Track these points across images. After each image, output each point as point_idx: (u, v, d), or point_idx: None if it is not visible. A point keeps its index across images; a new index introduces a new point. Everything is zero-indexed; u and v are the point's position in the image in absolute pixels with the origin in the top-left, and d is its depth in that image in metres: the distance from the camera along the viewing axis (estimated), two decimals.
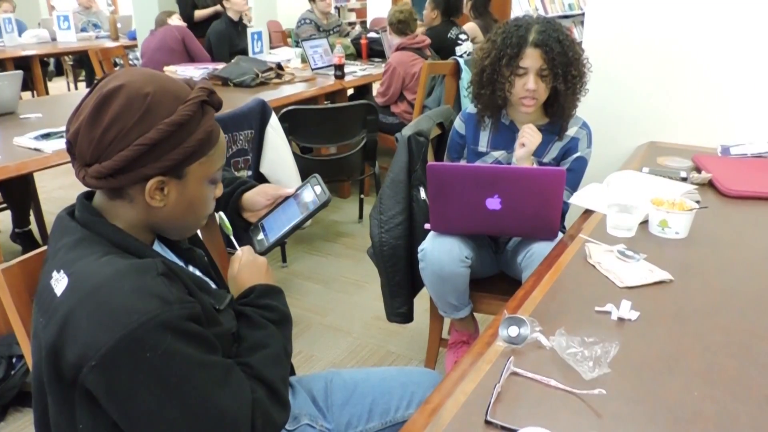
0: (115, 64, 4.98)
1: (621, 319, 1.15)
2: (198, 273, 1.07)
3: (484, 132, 1.92)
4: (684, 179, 1.91)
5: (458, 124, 1.98)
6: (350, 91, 4.45)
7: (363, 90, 4.79)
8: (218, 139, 0.96)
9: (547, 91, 1.78)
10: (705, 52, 2.31)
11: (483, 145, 1.92)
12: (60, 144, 2.30)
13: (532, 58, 1.74)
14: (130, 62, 5.80)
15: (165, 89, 0.90)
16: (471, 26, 4.75)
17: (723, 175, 1.90)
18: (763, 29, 2.20)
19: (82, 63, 6.98)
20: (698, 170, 1.98)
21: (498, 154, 1.91)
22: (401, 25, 3.88)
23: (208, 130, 0.93)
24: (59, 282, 0.85)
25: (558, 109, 1.83)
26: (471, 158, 1.96)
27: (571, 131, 1.88)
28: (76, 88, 7.50)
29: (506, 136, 1.90)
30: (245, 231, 1.27)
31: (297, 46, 5.01)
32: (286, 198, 1.25)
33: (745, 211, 1.73)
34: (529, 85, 1.75)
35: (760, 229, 1.62)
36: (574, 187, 1.90)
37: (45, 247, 1.01)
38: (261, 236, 1.21)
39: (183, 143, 0.89)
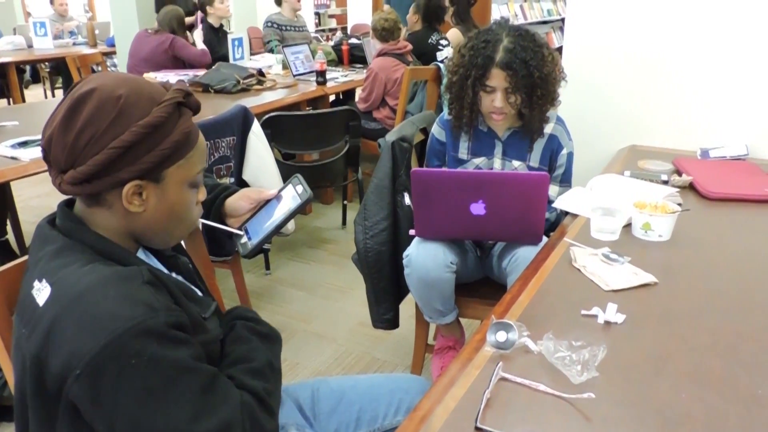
0: (93, 72, 4.91)
1: (607, 323, 1.16)
2: (182, 280, 1.05)
3: (463, 139, 1.92)
4: (665, 182, 1.93)
5: (437, 130, 1.97)
6: (332, 97, 4.44)
7: (345, 96, 4.78)
8: (197, 142, 0.94)
9: (517, 105, 1.78)
10: (683, 56, 2.34)
11: (463, 152, 1.92)
12: (37, 152, 2.26)
13: (498, 79, 1.73)
14: (109, 69, 5.73)
15: (139, 91, 0.88)
16: (453, 32, 4.76)
17: (703, 177, 1.92)
18: (739, 35, 2.24)
19: (59, 70, 6.89)
20: (679, 173, 2.01)
21: (479, 160, 1.91)
22: (385, 32, 3.88)
23: (185, 131, 0.90)
24: (41, 292, 0.83)
25: (525, 121, 1.83)
26: (452, 165, 1.95)
27: (548, 128, 1.88)
28: (53, 95, 7.40)
29: (485, 143, 1.90)
30: (229, 237, 1.25)
31: (270, 51, 5.01)
32: (269, 200, 1.24)
33: (725, 213, 1.75)
34: (496, 103, 1.75)
35: (741, 231, 1.64)
36: (568, 180, 1.93)
37: (25, 258, 0.99)
38: (244, 239, 1.20)
39: (159, 145, 0.87)
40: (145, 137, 0.86)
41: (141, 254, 0.99)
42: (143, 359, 0.78)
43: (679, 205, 1.62)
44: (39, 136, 2.39)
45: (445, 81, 1.91)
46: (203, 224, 1.19)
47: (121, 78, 0.90)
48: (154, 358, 0.79)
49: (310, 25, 9.13)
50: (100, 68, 5.02)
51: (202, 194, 1.03)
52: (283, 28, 5.15)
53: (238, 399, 0.88)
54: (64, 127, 0.85)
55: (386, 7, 5.23)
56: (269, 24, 5.15)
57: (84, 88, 0.87)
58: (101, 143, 0.84)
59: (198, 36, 4.43)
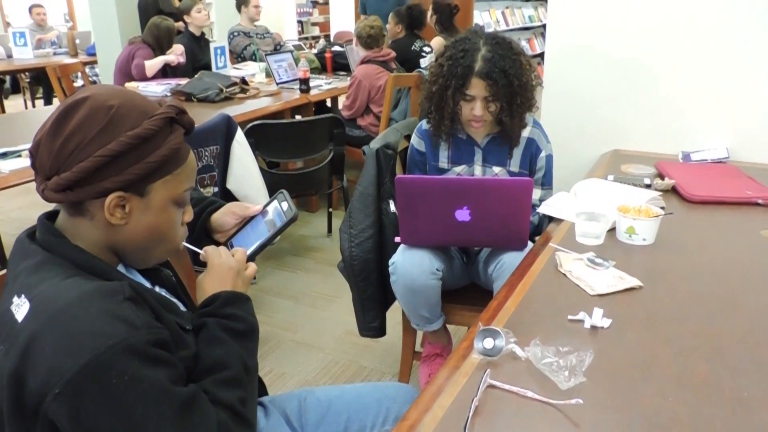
0: (73, 81, 4.86)
1: (594, 327, 1.16)
2: (165, 293, 1.04)
3: (443, 147, 1.92)
4: (648, 186, 1.95)
5: (416, 140, 1.96)
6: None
7: (319, 106, 4.75)
8: (186, 160, 0.93)
9: (496, 113, 1.78)
10: (664, 61, 2.37)
11: (443, 161, 1.92)
12: (17, 163, 2.23)
13: (477, 88, 1.73)
14: (90, 79, 5.68)
15: (131, 104, 0.88)
16: (438, 41, 4.79)
17: (685, 180, 1.94)
18: (718, 40, 2.27)
19: (39, 80, 6.82)
20: (661, 177, 2.02)
21: (459, 168, 1.91)
22: (370, 39, 3.88)
23: (174, 147, 0.90)
24: (20, 307, 0.82)
25: (505, 128, 1.83)
26: (432, 174, 1.95)
27: (525, 132, 1.88)
28: (34, 105, 7.32)
29: (465, 150, 1.91)
30: None
31: (237, 60, 5.03)
32: (254, 215, 1.23)
33: (708, 216, 1.76)
34: (475, 111, 1.75)
35: (724, 234, 1.65)
36: (549, 183, 1.94)
37: (3, 272, 0.97)
38: None
39: (146, 158, 0.87)
40: (133, 148, 0.85)
41: (121, 268, 0.97)
42: (124, 378, 0.76)
43: (662, 208, 1.63)
44: (18, 147, 2.38)
45: (424, 91, 1.91)
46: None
47: (116, 90, 0.90)
48: (134, 378, 0.77)
49: (293, 33, 9.15)
50: (80, 77, 4.98)
51: (189, 215, 1.01)
52: (249, 35, 5.19)
53: (215, 420, 0.86)
54: (53, 133, 0.85)
55: (362, 16, 5.25)
56: (237, 33, 5.17)
57: (77, 96, 0.87)
58: (88, 151, 0.84)
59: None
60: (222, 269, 1.04)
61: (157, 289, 1.03)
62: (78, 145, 0.84)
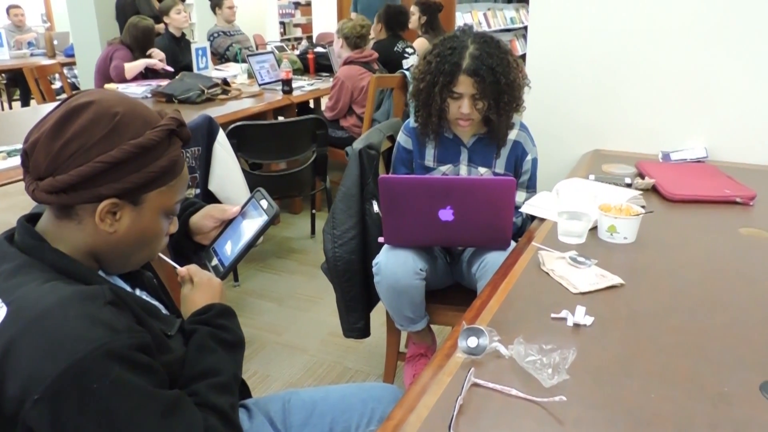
0: (51, 83, 4.79)
1: (577, 325, 1.17)
2: (146, 296, 1.03)
3: (429, 146, 1.92)
4: (628, 185, 1.97)
5: (403, 138, 1.96)
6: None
7: (301, 107, 4.75)
8: (181, 172, 0.94)
9: (483, 111, 1.79)
10: (644, 63, 2.40)
11: (429, 160, 1.93)
12: None
13: (465, 85, 1.74)
14: (69, 80, 5.61)
15: (135, 112, 0.88)
16: (420, 41, 4.80)
17: (665, 180, 1.96)
18: (696, 43, 2.30)
19: (16, 81, 6.71)
20: (642, 176, 2.04)
21: (445, 168, 1.92)
22: (359, 39, 3.87)
23: (173, 159, 0.91)
24: None
25: (493, 127, 1.85)
26: (419, 173, 1.95)
27: (512, 135, 1.89)
28: (11, 107, 7.19)
29: (451, 150, 1.91)
30: (194, 253, 1.23)
31: (221, 61, 5.03)
32: (233, 218, 1.21)
33: (688, 215, 1.79)
34: (463, 109, 1.76)
35: (703, 232, 1.67)
36: (534, 186, 1.95)
37: None
38: (215, 261, 1.17)
39: (145, 168, 0.87)
40: (134, 157, 0.86)
41: (101, 272, 0.96)
42: (105, 383, 0.75)
43: (643, 207, 1.65)
44: None
45: (411, 88, 1.91)
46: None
47: (120, 97, 0.90)
48: (116, 383, 0.76)
49: (275, 34, 9.12)
50: (59, 79, 4.91)
51: (174, 227, 1.02)
52: (229, 34, 5.25)
53: (202, 424, 0.86)
54: (54, 134, 0.84)
55: (354, 14, 5.25)
56: (217, 34, 5.19)
57: (82, 100, 0.86)
58: (88, 156, 0.83)
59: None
60: (212, 284, 1.09)
61: (137, 292, 1.02)
62: (79, 149, 0.83)
